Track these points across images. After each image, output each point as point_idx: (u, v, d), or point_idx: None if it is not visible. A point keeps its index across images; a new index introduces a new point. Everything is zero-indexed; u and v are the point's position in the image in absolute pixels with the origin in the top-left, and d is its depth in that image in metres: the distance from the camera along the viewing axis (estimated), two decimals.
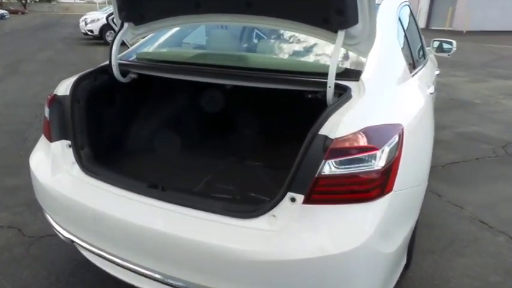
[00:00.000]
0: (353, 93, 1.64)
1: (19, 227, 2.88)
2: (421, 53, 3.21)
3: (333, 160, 1.38)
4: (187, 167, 2.39)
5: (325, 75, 1.70)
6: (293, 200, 1.44)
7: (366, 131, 1.42)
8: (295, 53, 2.19)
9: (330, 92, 1.68)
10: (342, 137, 1.39)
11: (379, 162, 1.40)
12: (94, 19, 14.57)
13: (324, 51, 2.09)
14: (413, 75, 2.30)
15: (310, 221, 1.40)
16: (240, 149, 2.65)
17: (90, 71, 2.17)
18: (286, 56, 2.18)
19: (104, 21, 11.07)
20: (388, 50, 2.06)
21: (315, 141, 1.42)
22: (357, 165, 1.38)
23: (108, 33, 13.89)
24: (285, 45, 2.32)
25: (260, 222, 1.47)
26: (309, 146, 1.43)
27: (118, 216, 1.63)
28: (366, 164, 1.39)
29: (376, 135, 1.44)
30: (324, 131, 1.43)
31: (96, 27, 14.39)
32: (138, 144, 2.58)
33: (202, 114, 2.98)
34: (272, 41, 2.46)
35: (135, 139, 2.60)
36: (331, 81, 1.66)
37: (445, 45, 4.09)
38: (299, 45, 2.23)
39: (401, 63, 2.12)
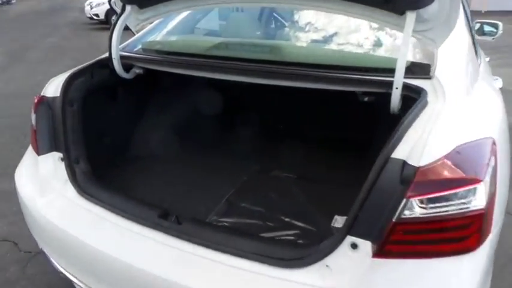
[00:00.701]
0: (428, 98, 1.23)
1: (15, 240, 2.57)
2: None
3: (417, 198, 0.98)
4: (203, 180, 2.01)
5: (385, 71, 1.29)
6: (354, 246, 1.06)
7: (460, 155, 1.02)
8: (342, 42, 1.75)
9: (396, 94, 1.27)
10: (430, 164, 0.99)
11: (481, 198, 1.00)
12: (99, 3, 14.10)
13: (381, 38, 1.65)
14: (480, 67, 1.87)
15: (384, 281, 1.01)
16: (264, 156, 2.26)
17: (86, 66, 1.78)
18: (331, 47, 1.75)
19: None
20: (457, 36, 1.62)
21: (388, 168, 1.02)
22: (450, 204, 0.99)
23: (113, 18, 13.40)
24: (326, 32, 1.87)
25: (309, 275, 1.09)
26: (379, 174, 1.03)
27: (120, 258, 1.27)
28: (463, 202, 0.99)
29: (473, 159, 1.04)
30: (401, 154, 1.03)
31: (101, 11, 13.94)
32: (144, 154, 2.21)
33: (219, 115, 2.57)
34: (308, 26, 2.01)
35: (141, 148, 2.22)
36: (398, 80, 1.25)
37: (488, 28, 3.60)
38: (345, 31, 1.78)
39: (472, 53, 1.69)
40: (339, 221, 1.61)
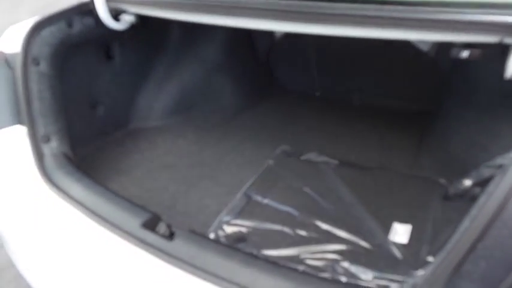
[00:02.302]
0: None
1: None
2: None
3: None
4: (216, 163, 1.58)
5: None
6: None
7: None
8: None
9: None
10: None
11: None
12: None
13: None
14: None
15: None
16: (294, 134, 1.78)
17: (60, 12, 1.33)
18: None
19: None
20: None
21: None
22: None
23: None
24: None
25: None
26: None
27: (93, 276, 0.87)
28: None
29: None
30: None
31: None
32: (146, 126, 1.79)
33: (239, 77, 2.09)
34: None
35: (142, 118, 1.80)
36: None
37: None
38: None
39: None
40: (399, 232, 1.15)
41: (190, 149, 1.70)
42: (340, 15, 0.94)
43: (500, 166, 1.26)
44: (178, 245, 0.90)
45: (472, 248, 0.63)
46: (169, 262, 0.88)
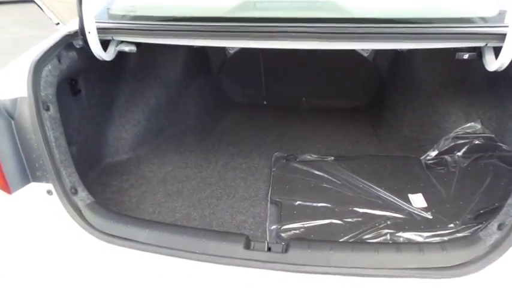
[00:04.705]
0: None
1: None
2: None
3: None
4: (224, 182, 1.61)
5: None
6: None
7: None
8: None
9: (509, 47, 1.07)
10: None
11: None
12: None
13: None
14: None
15: None
16: (285, 139, 1.93)
17: (51, 47, 1.19)
18: None
19: None
20: None
21: None
22: None
23: None
24: None
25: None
26: None
27: None
28: None
29: None
30: None
31: None
32: (119, 164, 1.71)
33: (202, 95, 2.14)
34: None
35: (110, 156, 1.73)
36: None
37: None
38: None
39: None
40: (415, 200, 1.42)
41: (185, 174, 1.67)
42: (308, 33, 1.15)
43: (455, 138, 1.67)
44: (294, 255, 0.97)
45: None
46: (287, 270, 0.95)
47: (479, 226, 1.19)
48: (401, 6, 1.25)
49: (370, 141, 1.90)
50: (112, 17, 1.36)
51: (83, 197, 1.12)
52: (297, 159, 1.70)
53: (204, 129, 2.04)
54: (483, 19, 1.19)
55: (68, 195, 1.07)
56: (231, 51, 2.18)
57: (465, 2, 1.26)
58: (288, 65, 2.17)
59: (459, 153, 1.59)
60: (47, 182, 1.06)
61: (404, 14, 1.22)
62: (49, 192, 1.07)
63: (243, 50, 2.13)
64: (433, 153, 1.66)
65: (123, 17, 1.37)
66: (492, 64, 1.18)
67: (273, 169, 1.64)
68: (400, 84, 1.96)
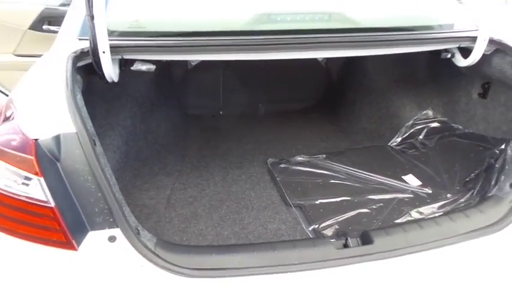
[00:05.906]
0: None
1: None
2: None
3: None
4: (235, 196, 1.59)
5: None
6: None
7: None
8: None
9: (480, 46, 1.36)
10: None
11: None
12: None
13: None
14: None
15: None
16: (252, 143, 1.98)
17: (71, 71, 1.03)
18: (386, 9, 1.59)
19: None
20: None
21: None
22: None
23: None
24: None
25: None
26: None
27: None
28: None
29: None
30: None
31: None
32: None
33: (169, 110, 2.03)
34: None
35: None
36: (484, 32, 1.34)
37: None
38: None
39: None
40: (411, 180, 1.65)
41: (189, 195, 1.59)
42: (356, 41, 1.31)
43: (414, 124, 1.97)
44: (379, 243, 1.06)
45: None
46: (379, 259, 1.04)
47: (471, 191, 1.47)
48: (391, 16, 1.45)
49: (338, 136, 2.10)
50: (112, 33, 1.23)
51: (145, 235, 1.00)
52: (292, 162, 1.78)
53: (178, 146, 1.95)
54: (448, 25, 1.48)
55: (138, 238, 0.95)
56: (193, 63, 2.13)
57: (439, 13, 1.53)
58: (244, 74, 2.23)
59: (420, 137, 1.90)
60: (110, 227, 0.92)
61: (394, 23, 1.42)
62: (111, 238, 0.93)
63: (204, 61, 2.10)
64: (398, 139, 1.94)
65: (126, 33, 1.25)
66: (462, 61, 1.47)
67: (276, 175, 1.69)
68: (354, 83, 2.22)
